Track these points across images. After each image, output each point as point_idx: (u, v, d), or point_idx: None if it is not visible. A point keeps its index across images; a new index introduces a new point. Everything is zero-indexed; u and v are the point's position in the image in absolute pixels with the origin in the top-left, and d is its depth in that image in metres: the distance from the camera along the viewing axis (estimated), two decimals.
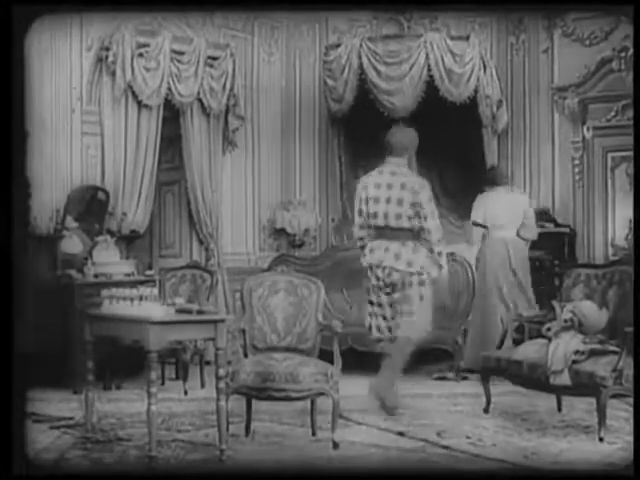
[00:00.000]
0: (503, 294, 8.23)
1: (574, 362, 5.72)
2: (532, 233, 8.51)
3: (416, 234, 6.36)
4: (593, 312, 6.08)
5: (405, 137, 6.57)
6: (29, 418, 5.49)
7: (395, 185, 6.34)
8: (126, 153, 8.54)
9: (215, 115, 9.25)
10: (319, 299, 5.84)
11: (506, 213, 8.27)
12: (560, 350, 5.79)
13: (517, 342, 6.65)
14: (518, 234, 8.41)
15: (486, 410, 6.38)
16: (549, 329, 6.11)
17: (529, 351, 6.06)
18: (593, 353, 5.77)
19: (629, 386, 5.53)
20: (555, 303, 6.29)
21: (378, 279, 6.36)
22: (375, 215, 6.35)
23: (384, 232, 6.34)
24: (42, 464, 5.03)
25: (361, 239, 6.56)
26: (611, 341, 5.86)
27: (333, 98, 9.59)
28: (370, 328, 6.53)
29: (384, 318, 6.47)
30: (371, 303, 6.47)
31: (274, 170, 10.08)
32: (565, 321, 6.06)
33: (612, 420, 5.83)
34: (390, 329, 6.45)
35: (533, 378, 5.92)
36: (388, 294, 6.40)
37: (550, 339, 6.01)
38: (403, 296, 6.34)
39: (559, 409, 6.42)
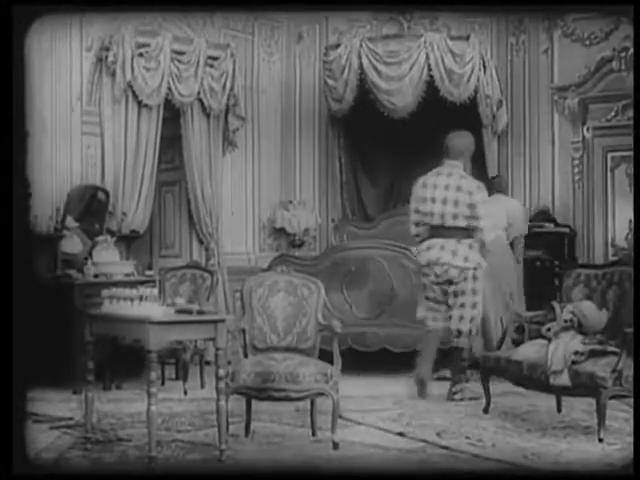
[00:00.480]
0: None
1: (574, 362, 5.72)
2: (519, 230, 8.50)
3: (470, 232, 6.83)
4: (593, 312, 6.08)
5: (463, 142, 7.12)
6: (29, 418, 5.50)
7: (452, 187, 6.82)
8: (126, 153, 8.54)
9: (215, 115, 9.25)
10: (319, 299, 5.83)
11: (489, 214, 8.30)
12: (560, 350, 5.79)
13: (517, 342, 6.65)
14: (508, 237, 8.45)
15: (486, 410, 6.39)
16: (549, 329, 6.12)
17: (529, 351, 6.06)
18: (593, 353, 5.77)
19: (629, 387, 5.53)
20: (555, 303, 6.30)
21: (436, 275, 6.86)
22: (431, 214, 6.86)
23: (440, 231, 6.86)
24: (42, 464, 5.03)
25: (417, 236, 7.08)
26: (611, 342, 5.86)
27: (333, 98, 9.60)
28: (426, 319, 7.05)
29: (440, 311, 7.00)
30: (427, 298, 7.00)
31: (274, 170, 10.08)
32: (565, 321, 6.06)
33: (612, 421, 5.83)
34: (445, 320, 7.01)
35: (533, 378, 5.92)
36: (444, 289, 6.89)
37: (550, 339, 6.01)
38: (457, 290, 6.89)
39: (559, 410, 6.42)
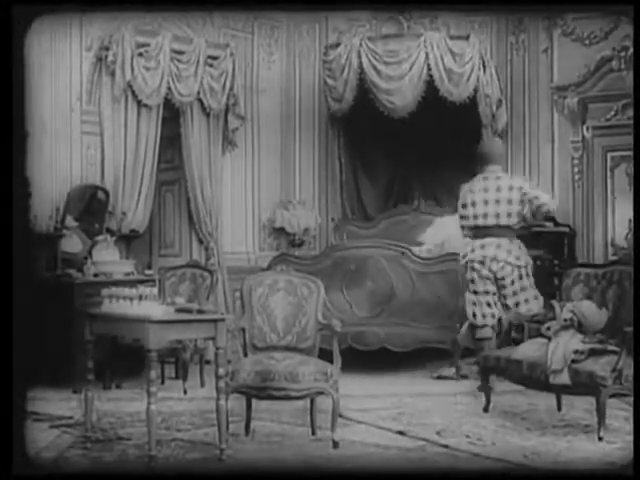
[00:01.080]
0: None
1: (574, 361, 5.72)
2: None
3: (518, 230, 7.43)
4: (593, 311, 6.08)
5: (500, 147, 7.78)
6: (29, 417, 5.50)
7: (503, 188, 7.33)
8: (126, 153, 8.54)
9: (215, 115, 9.26)
10: (319, 298, 5.84)
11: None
12: (560, 349, 5.79)
13: (517, 341, 6.65)
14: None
15: (486, 409, 6.38)
16: (549, 328, 6.12)
17: (529, 350, 6.06)
18: (593, 352, 5.77)
19: (629, 385, 5.53)
20: (555, 302, 6.30)
21: (490, 271, 7.33)
22: (485, 215, 7.35)
23: (493, 230, 7.35)
24: (42, 463, 5.03)
25: (465, 236, 7.63)
26: (611, 340, 5.86)
27: (333, 97, 9.60)
28: (474, 315, 7.43)
29: (488, 305, 7.39)
30: (475, 292, 7.41)
31: (274, 169, 10.08)
32: (565, 320, 6.07)
33: (612, 419, 5.84)
34: (493, 315, 7.35)
35: (533, 377, 5.92)
36: (494, 284, 7.35)
37: (550, 338, 6.01)
38: (517, 289, 7.32)
39: (559, 408, 6.42)
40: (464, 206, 7.46)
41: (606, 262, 7.96)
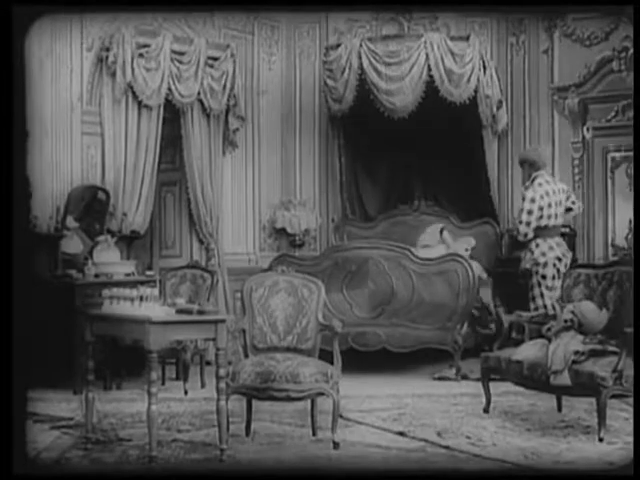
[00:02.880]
0: None
1: (574, 362, 5.72)
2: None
3: None
4: (593, 312, 6.08)
5: (544, 153, 8.55)
6: (30, 418, 5.51)
7: (560, 191, 8.14)
8: (126, 153, 8.54)
9: (215, 115, 9.26)
10: (319, 299, 5.83)
11: None
12: (560, 350, 5.79)
13: (517, 342, 6.65)
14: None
15: (486, 410, 6.38)
16: (549, 329, 6.12)
17: (529, 351, 6.06)
18: (593, 353, 5.77)
19: (629, 386, 5.53)
20: (555, 303, 6.30)
21: (566, 266, 7.87)
22: (556, 216, 8.05)
23: (557, 230, 8.12)
24: (43, 464, 5.04)
25: (525, 236, 8.04)
26: (611, 341, 5.86)
27: (333, 98, 9.59)
28: (545, 307, 7.83)
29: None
30: (549, 288, 7.81)
31: (274, 170, 10.08)
32: (565, 321, 6.06)
33: (612, 420, 5.84)
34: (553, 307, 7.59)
35: (533, 378, 5.92)
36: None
37: (550, 339, 6.01)
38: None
39: (559, 409, 6.43)
40: (541, 207, 7.95)
41: (606, 263, 7.94)
